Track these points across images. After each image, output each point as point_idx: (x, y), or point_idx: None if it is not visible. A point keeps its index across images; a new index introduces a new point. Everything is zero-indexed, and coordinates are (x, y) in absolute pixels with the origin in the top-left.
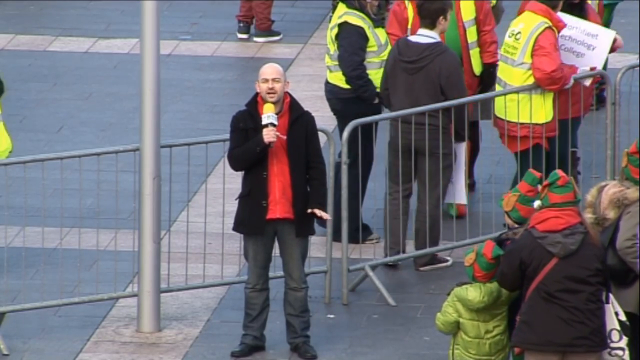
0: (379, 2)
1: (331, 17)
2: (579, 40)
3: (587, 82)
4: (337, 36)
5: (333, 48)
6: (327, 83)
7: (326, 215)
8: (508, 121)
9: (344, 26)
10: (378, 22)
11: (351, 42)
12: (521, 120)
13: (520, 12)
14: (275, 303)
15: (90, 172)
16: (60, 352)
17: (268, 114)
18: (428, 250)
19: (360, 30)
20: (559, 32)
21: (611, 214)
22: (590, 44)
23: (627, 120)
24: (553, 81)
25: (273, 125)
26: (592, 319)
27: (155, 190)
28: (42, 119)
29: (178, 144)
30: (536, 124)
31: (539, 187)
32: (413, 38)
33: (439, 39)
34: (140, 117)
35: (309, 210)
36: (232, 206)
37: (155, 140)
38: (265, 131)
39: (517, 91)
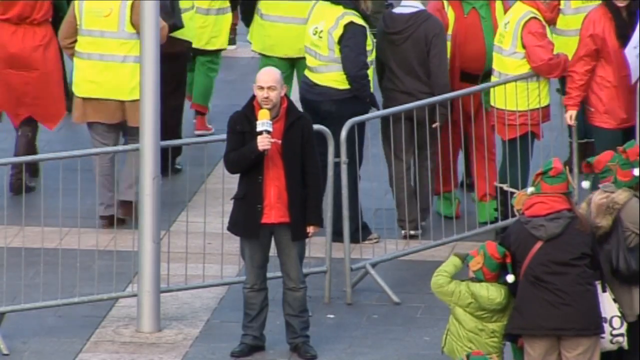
0: (372, 2)
1: None
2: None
3: None
4: (341, 37)
5: (327, 50)
6: (313, 86)
7: (312, 232)
8: (508, 111)
9: (350, 26)
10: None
11: (357, 43)
12: (520, 108)
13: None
14: (274, 303)
15: (90, 172)
16: (60, 352)
17: (262, 121)
18: (429, 245)
19: (364, 31)
20: (547, 22)
21: (603, 222)
22: None
23: None
24: (551, 68)
25: (268, 132)
26: (580, 301)
27: (155, 190)
28: None
29: (178, 144)
30: (534, 110)
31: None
32: (397, 10)
33: (422, 7)
34: (141, 117)
35: (307, 230)
36: (231, 206)
37: (155, 140)
38: (259, 139)
39: (515, 80)
